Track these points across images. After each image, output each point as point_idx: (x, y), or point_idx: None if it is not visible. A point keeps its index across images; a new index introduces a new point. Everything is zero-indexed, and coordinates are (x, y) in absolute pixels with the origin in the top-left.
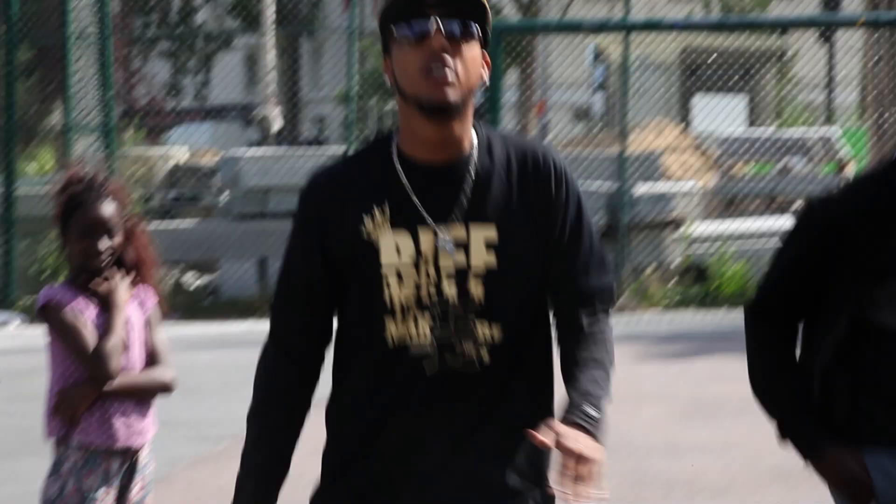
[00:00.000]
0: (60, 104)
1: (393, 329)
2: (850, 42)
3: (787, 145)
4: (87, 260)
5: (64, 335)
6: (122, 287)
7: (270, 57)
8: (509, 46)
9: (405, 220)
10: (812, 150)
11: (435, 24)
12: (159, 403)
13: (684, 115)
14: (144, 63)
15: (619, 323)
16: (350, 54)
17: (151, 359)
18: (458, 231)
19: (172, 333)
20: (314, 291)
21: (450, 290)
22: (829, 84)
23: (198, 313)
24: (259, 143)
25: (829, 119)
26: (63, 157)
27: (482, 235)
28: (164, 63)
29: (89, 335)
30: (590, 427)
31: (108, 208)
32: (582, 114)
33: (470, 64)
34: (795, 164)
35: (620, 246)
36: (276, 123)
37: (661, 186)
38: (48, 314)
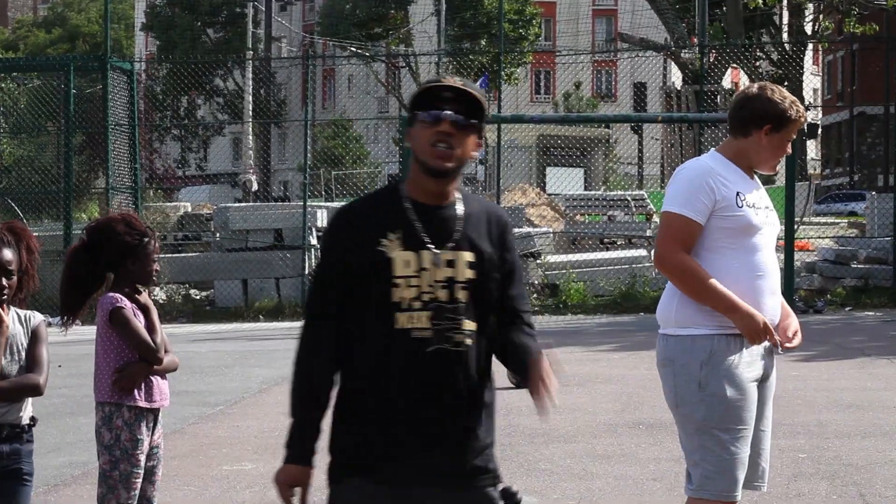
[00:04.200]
0: (103, 173)
1: (400, 318)
2: (652, 133)
3: (612, 202)
4: (153, 278)
5: (129, 333)
6: (147, 297)
7: (249, 140)
8: None
9: (413, 243)
10: (629, 205)
11: (447, 114)
12: (172, 377)
13: (541, 181)
14: (161, 144)
15: None
16: (305, 137)
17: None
18: (449, 254)
19: (184, 331)
20: (339, 290)
21: (442, 294)
22: (639, 161)
23: (200, 317)
24: (242, 199)
25: (640, 184)
26: (105, 208)
27: (465, 258)
28: (175, 144)
29: (146, 333)
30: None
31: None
32: (470, 179)
33: (465, 146)
34: (618, 215)
35: None
36: (254, 186)
37: (525, 230)
38: (117, 316)
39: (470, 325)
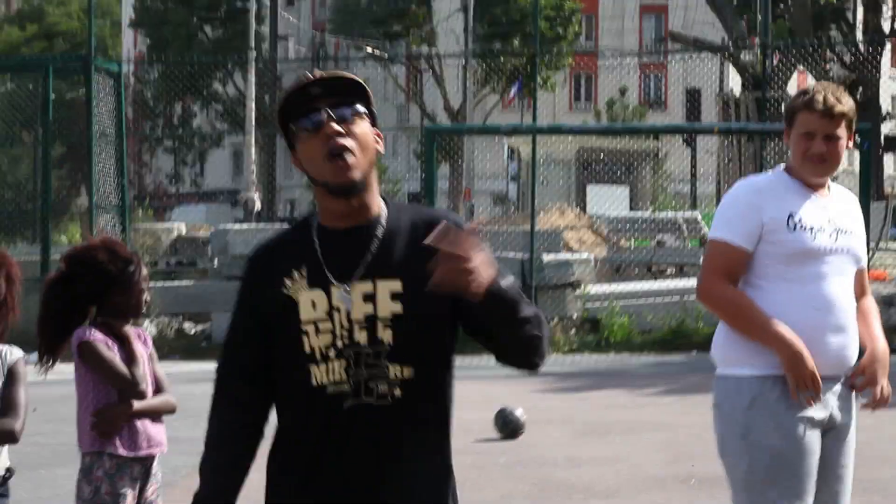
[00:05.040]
0: (85, 189)
1: (315, 371)
2: (707, 146)
3: (661, 225)
4: (143, 307)
5: (101, 366)
6: (130, 329)
7: (252, 152)
8: (441, 145)
9: (319, 280)
10: (681, 228)
11: (325, 113)
12: (165, 422)
13: (580, 201)
14: (152, 157)
15: None
16: None
17: (157, 386)
18: (366, 286)
19: (176, 369)
20: (255, 344)
21: (361, 336)
22: (692, 178)
23: (195, 354)
24: (243, 220)
25: (694, 205)
26: (87, 230)
27: (387, 288)
28: (168, 157)
29: (122, 365)
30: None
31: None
32: (500, 199)
33: (363, 140)
34: (668, 239)
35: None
36: (257, 205)
37: (562, 256)
38: (86, 350)
39: (400, 372)
